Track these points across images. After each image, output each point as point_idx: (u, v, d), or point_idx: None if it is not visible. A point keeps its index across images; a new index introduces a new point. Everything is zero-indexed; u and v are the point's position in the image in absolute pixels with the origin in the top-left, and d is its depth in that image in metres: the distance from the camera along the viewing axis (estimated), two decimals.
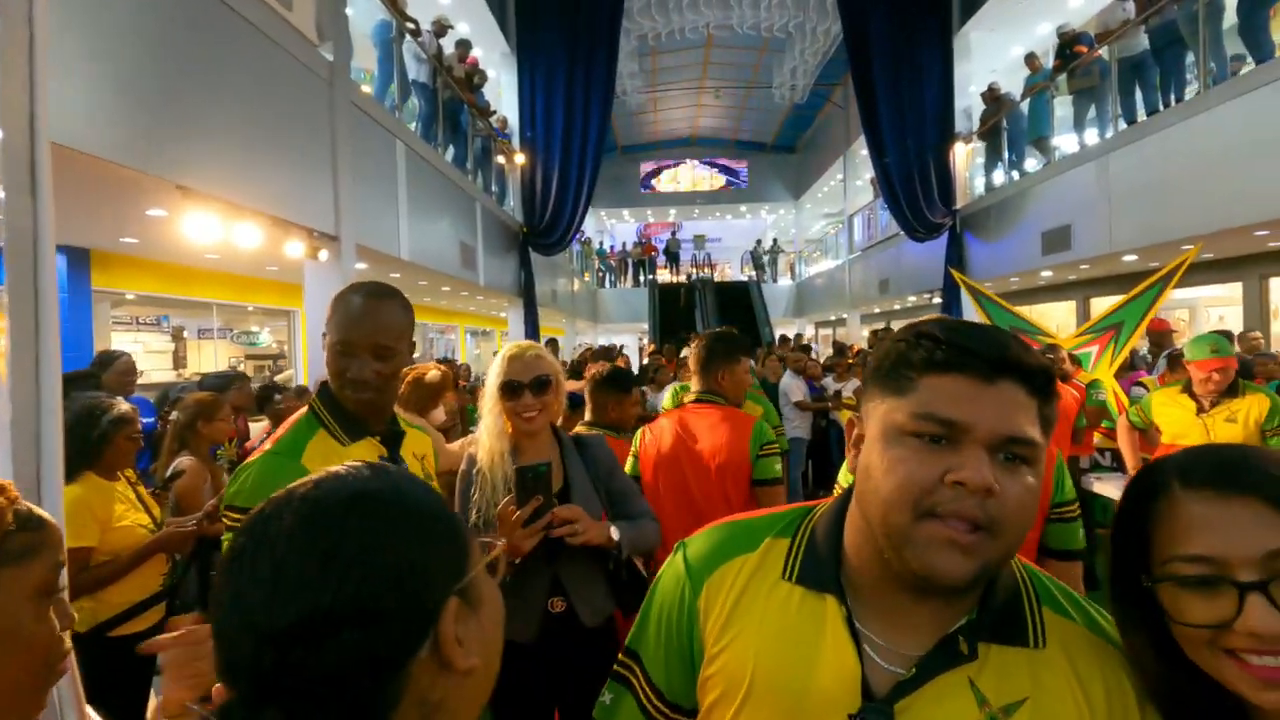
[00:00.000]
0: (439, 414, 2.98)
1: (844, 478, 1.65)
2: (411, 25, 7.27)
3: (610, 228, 26.29)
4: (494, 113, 10.43)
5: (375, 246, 5.80)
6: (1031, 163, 9.00)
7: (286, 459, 1.31)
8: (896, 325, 12.20)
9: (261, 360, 10.03)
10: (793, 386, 6.75)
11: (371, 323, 1.35)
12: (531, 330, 10.38)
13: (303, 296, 5.57)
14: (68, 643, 0.78)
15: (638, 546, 1.78)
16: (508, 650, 1.95)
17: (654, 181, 23.51)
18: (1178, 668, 0.63)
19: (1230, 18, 5.89)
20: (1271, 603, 0.56)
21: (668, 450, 2.31)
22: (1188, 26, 6.26)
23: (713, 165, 23.71)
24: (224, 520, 1.32)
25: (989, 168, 9.92)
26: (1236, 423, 3.01)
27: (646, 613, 0.82)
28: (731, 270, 24.48)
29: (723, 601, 0.75)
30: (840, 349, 9.12)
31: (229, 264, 6.83)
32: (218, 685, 0.52)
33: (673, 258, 22.01)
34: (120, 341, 7.49)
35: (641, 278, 21.13)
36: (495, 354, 1.87)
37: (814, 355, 8.51)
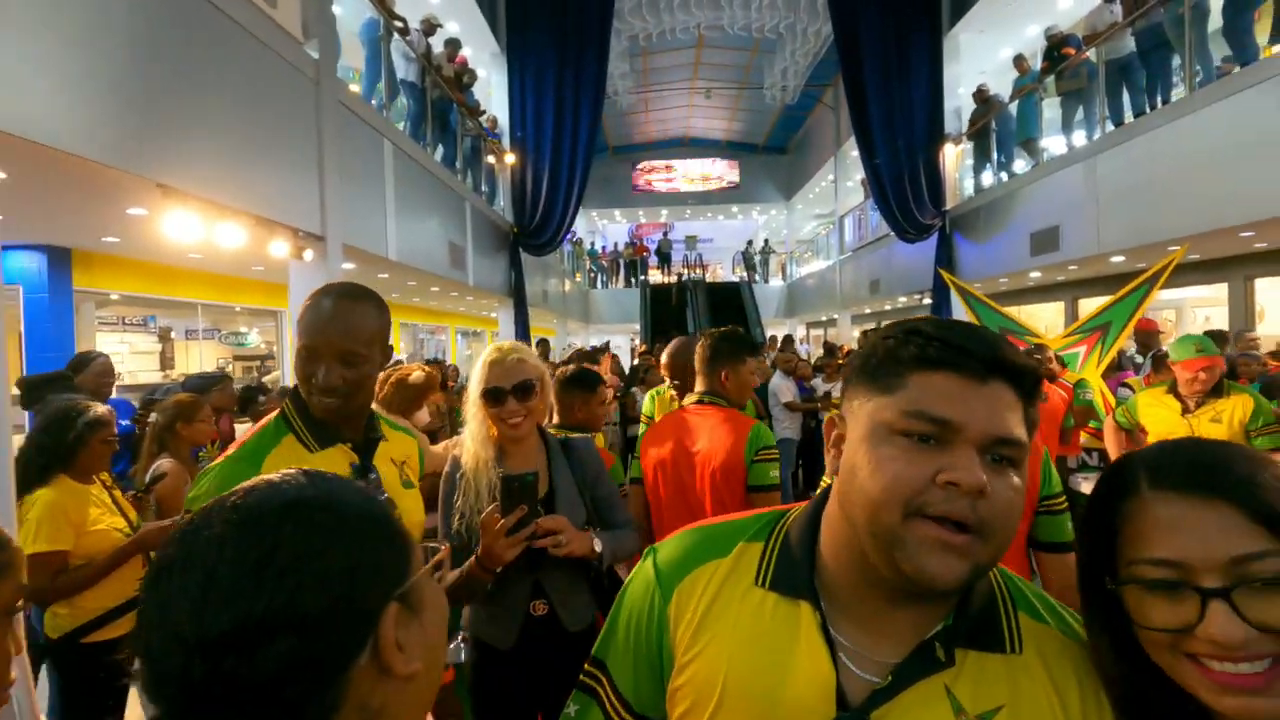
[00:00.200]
0: (423, 415, 2.95)
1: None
2: (399, 24, 7.22)
3: (602, 228, 26.28)
4: (484, 112, 10.38)
5: (362, 246, 5.75)
6: (1020, 164, 9.05)
7: (246, 466, 1.26)
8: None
9: (250, 361, 9.95)
10: (782, 387, 6.74)
11: (339, 327, 1.30)
12: (522, 330, 10.34)
13: (289, 297, 5.53)
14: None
15: (619, 557, 1.76)
16: (490, 655, 1.90)
17: (645, 180, 23.50)
18: (1142, 671, 0.62)
19: (1216, 20, 5.93)
20: (1234, 610, 0.55)
21: (667, 452, 2.26)
22: (1174, 29, 6.30)
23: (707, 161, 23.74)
24: None
25: (978, 169, 9.97)
26: (1221, 423, 3.02)
27: (614, 620, 0.80)
28: (723, 271, 24.51)
29: (694, 609, 0.73)
30: (830, 349, 9.13)
31: (213, 264, 6.76)
32: None
33: (664, 258, 22.04)
34: (106, 342, 7.41)
35: (633, 278, 21.12)
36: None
37: (804, 355, 8.51)
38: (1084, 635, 0.69)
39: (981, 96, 9.62)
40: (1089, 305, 8.24)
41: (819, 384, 7.26)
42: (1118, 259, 7.37)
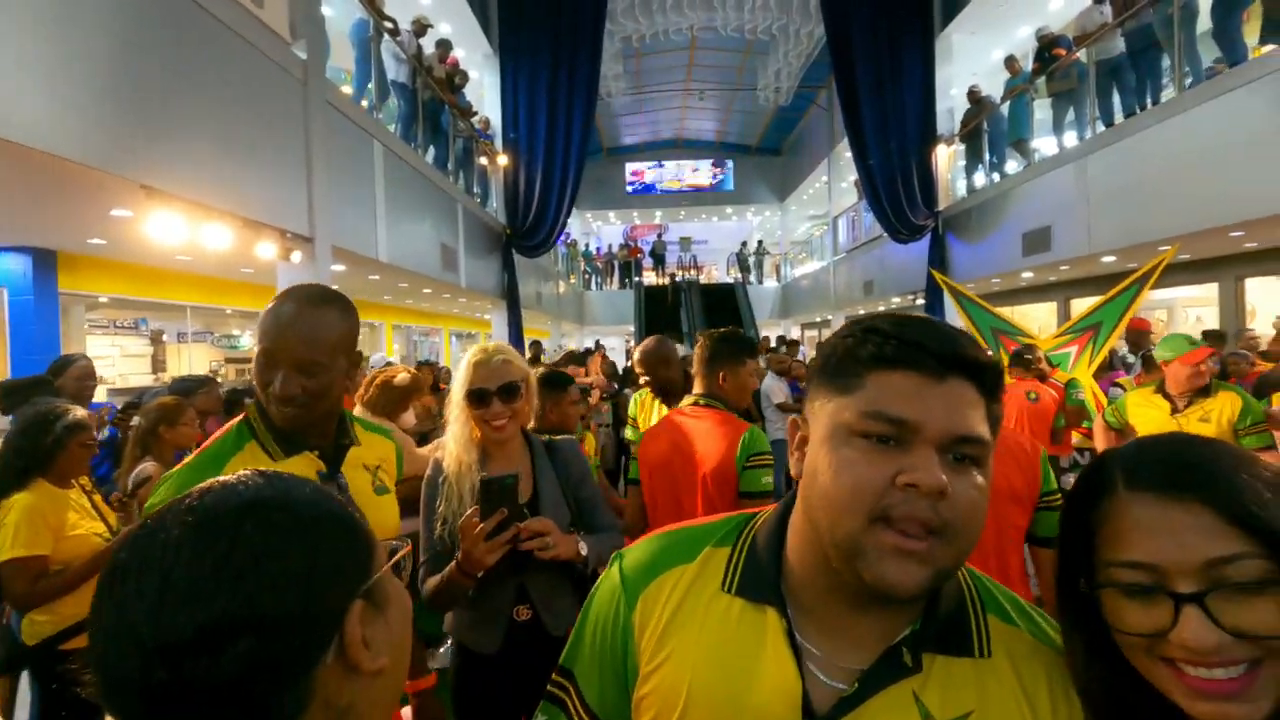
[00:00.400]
0: (409, 418, 2.93)
1: None
2: (390, 24, 7.20)
3: (596, 230, 26.27)
4: (476, 113, 10.36)
5: (352, 248, 5.73)
6: (1012, 165, 9.07)
7: (203, 475, 1.21)
8: None
9: (243, 364, 9.89)
10: (774, 388, 6.74)
11: (299, 334, 1.23)
12: (515, 332, 10.31)
13: None
14: None
15: (604, 560, 1.74)
16: (474, 660, 1.88)
17: (639, 180, 23.52)
18: (1120, 674, 0.61)
19: (1205, 22, 5.95)
20: (1207, 615, 0.54)
21: (662, 455, 2.22)
22: (1163, 30, 6.33)
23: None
24: None
25: (970, 170, 9.99)
26: (1210, 422, 3.02)
27: (581, 628, 0.78)
28: (717, 272, 24.53)
29: (658, 616, 0.71)
30: None
31: (201, 266, 6.71)
32: None
33: (659, 260, 22.04)
34: (96, 345, 7.36)
35: (628, 280, 21.11)
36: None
37: (799, 355, 8.51)
38: (1055, 637, 0.68)
39: (975, 97, 9.65)
40: (1081, 305, 8.26)
41: None
42: (1109, 259, 7.39)
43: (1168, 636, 0.55)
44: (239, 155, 4.27)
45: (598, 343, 11.80)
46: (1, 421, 3.10)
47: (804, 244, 21.30)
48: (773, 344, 10.90)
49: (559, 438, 1.88)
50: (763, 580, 0.69)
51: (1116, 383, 4.86)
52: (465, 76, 9.57)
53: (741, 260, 21.72)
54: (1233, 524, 0.55)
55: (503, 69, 10.39)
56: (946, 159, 10.26)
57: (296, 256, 4.83)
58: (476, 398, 1.67)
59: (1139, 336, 5.81)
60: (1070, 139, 7.88)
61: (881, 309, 14.89)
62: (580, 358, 7.54)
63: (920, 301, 10.94)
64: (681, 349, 3.37)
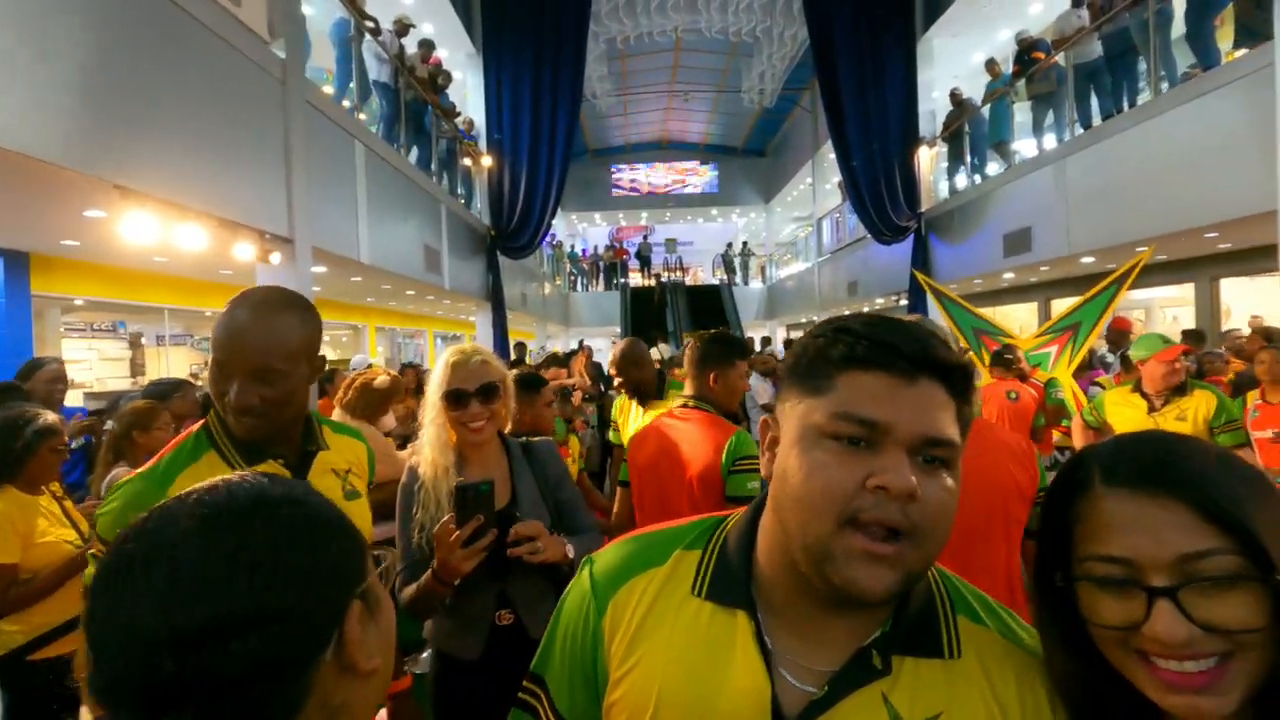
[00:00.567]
0: (388, 420, 2.90)
1: None
2: (371, 24, 7.14)
3: (582, 231, 26.23)
4: (459, 114, 10.30)
5: (333, 249, 5.67)
6: (993, 166, 9.17)
7: (154, 485, 1.16)
8: None
9: None
10: (759, 388, 6.75)
11: (254, 341, 1.15)
12: (500, 334, 10.26)
13: None
14: None
15: None
16: (455, 666, 1.85)
17: (624, 182, 23.52)
18: (1096, 668, 0.61)
19: (1180, 27, 6.05)
20: (1179, 609, 0.55)
21: (650, 458, 2.20)
22: (1139, 34, 6.43)
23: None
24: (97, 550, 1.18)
25: (952, 171, 10.09)
26: (1186, 420, 3.06)
27: (552, 634, 0.77)
28: (703, 273, 24.56)
29: (628, 621, 0.71)
30: None
31: (179, 267, 6.61)
32: None
33: (644, 261, 22.04)
34: (73, 349, 7.23)
35: (613, 281, 21.10)
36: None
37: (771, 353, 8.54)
38: (1024, 636, 0.68)
39: (956, 99, 9.75)
40: (1061, 306, 8.36)
41: None
42: (1088, 260, 7.48)
43: (1140, 629, 0.56)
44: (215, 155, 4.21)
45: (582, 343, 11.73)
46: None
47: (789, 245, 21.40)
48: (757, 346, 10.94)
49: (535, 439, 1.86)
50: (733, 583, 0.69)
51: (1096, 382, 4.92)
52: (449, 77, 9.51)
53: (727, 261, 21.77)
54: (1207, 520, 0.56)
55: (486, 69, 10.34)
56: (929, 161, 10.35)
57: (276, 258, 4.77)
58: (454, 399, 1.65)
59: (1120, 336, 5.88)
60: (1050, 141, 7.98)
61: (865, 310, 15.06)
62: (563, 360, 7.49)
63: (904, 302, 11.02)
64: (668, 350, 3.37)
